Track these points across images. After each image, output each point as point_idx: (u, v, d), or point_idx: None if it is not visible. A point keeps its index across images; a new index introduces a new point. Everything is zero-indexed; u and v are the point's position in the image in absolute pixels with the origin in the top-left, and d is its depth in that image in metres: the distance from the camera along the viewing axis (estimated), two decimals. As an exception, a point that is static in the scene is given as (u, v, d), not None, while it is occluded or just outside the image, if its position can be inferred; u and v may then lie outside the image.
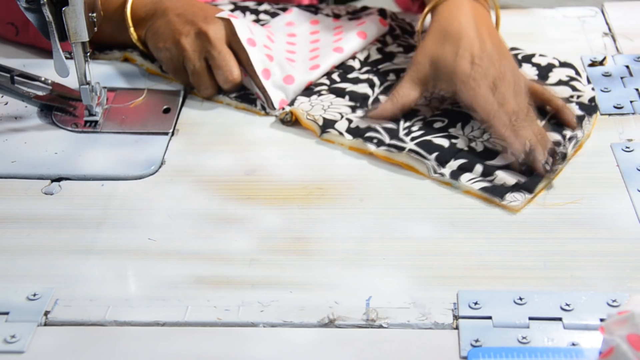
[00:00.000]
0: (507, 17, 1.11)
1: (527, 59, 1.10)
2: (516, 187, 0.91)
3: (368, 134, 0.97)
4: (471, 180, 0.92)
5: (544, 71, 1.08)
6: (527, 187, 0.91)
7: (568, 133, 0.96)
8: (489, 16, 1.05)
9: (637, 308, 0.69)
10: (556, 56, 1.09)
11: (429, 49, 1.00)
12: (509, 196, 0.90)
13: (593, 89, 1.04)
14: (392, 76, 1.07)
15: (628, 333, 0.68)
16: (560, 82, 1.05)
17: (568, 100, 1.02)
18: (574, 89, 1.04)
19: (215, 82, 1.05)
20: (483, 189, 0.91)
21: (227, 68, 1.03)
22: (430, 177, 0.93)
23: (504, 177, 0.92)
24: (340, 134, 0.98)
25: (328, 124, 0.99)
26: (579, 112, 1.00)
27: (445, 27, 1.00)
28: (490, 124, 0.95)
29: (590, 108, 1.01)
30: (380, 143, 0.96)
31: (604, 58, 1.10)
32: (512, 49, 1.10)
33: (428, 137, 0.96)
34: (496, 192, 0.91)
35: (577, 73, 1.07)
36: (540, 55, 1.11)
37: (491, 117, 0.95)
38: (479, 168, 0.93)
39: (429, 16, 1.04)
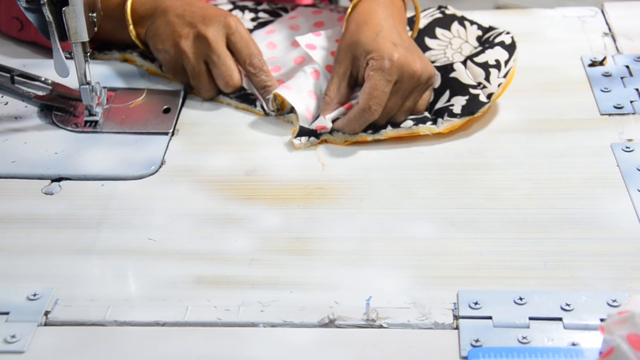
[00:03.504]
0: (507, 17, 1.11)
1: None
2: (315, 134, 0.99)
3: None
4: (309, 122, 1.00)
5: (482, 45, 1.08)
6: (316, 134, 0.99)
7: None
8: (404, 16, 1.07)
9: (637, 308, 0.69)
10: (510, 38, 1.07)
11: (347, 38, 1.01)
12: (301, 138, 0.98)
13: (500, 85, 1.02)
14: None
15: (628, 333, 0.68)
16: (485, 64, 1.04)
17: (476, 86, 1.02)
18: (487, 76, 1.03)
19: (215, 84, 1.05)
20: (301, 126, 0.99)
21: (228, 73, 1.03)
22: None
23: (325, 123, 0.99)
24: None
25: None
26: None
27: (364, 19, 1.02)
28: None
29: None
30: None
31: (604, 58, 1.10)
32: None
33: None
34: (303, 132, 0.99)
35: (510, 58, 1.05)
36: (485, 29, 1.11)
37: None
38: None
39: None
